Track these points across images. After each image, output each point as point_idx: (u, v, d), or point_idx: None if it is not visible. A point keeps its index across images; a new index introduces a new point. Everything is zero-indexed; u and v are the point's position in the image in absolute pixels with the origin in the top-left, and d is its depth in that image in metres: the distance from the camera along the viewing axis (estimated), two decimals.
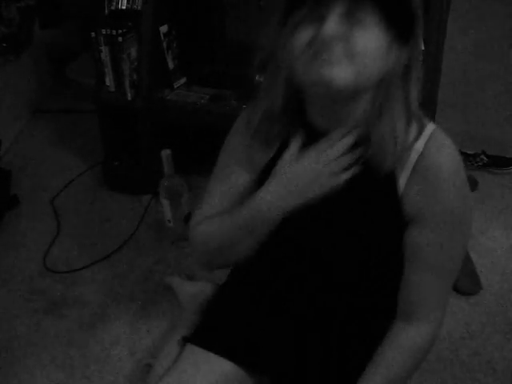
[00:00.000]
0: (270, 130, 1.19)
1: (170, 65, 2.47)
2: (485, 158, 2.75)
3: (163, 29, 2.41)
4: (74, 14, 3.73)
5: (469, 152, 2.80)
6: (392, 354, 1.20)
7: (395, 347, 1.20)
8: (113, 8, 2.40)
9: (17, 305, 2.14)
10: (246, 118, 1.25)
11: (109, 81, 2.45)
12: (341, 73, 0.99)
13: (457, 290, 2.10)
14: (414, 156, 1.10)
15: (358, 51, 0.99)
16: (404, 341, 1.20)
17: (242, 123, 1.28)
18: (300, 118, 1.16)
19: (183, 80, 2.54)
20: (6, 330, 2.04)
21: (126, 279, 2.23)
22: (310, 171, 1.13)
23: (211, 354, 1.34)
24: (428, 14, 2.02)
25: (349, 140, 1.11)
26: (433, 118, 2.53)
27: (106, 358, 1.92)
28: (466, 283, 2.11)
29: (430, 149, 1.09)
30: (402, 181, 1.11)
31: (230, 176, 1.30)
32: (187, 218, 2.34)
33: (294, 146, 1.16)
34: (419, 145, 1.10)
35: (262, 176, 1.22)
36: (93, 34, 2.38)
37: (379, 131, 1.08)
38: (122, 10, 2.39)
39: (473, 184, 2.67)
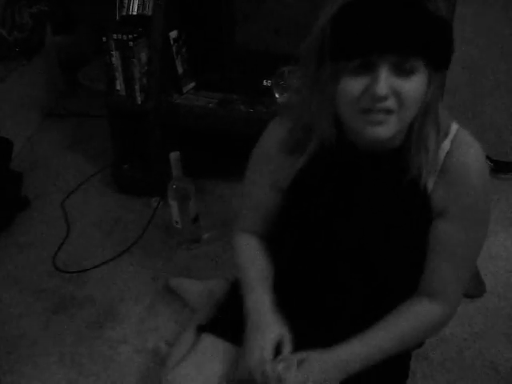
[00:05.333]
0: (306, 144, 1.25)
1: (180, 69, 2.50)
2: (489, 163, 2.77)
3: (173, 34, 2.44)
4: (86, 20, 3.78)
5: None
6: (406, 315, 1.28)
7: (411, 311, 1.28)
8: (124, 14, 2.44)
9: (26, 304, 2.17)
10: (282, 132, 1.30)
11: (119, 85, 2.49)
12: (387, 130, 1.09)
13: None
14: (441, 155, 1.17)
15: (405, 101, 1.06)
16: (420, 309, 1.28)
17: (271, 137, 1.34)
18: (340, 135, 1.22)
19: (192, 84, 2.58)
20: (15, 328, 2.07)
21: (134, 280, 2.26)
22: None
23: (226, 343, 1.39)
24: None
25: None
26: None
27: (114, 356, 1.94)
28: (471, 286, 2.12)
29: (456, 148, 1.17)
30: (430, 179, 1.18)
31: (258, 193, 1.39)
32: (195, 220, 2.37)
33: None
34: (446, 144, 1.17)
35: (290, 187, 1.31)
36: (104, 39, 2.41)
37: (414, 145, 1.16)
38: (132, 15, 2.43)
39: None
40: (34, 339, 2.02)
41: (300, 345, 1.26)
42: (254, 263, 1.40)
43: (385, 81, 1.03)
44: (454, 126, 1.19)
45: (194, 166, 2.38)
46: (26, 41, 3.14)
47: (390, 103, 1.06)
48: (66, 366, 1.92)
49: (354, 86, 1.06)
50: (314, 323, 1.36)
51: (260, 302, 1.32)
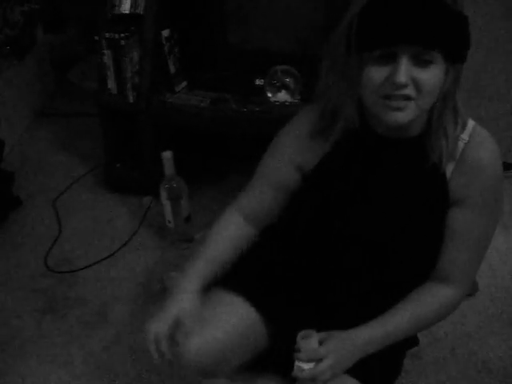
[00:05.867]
0: (331, 129, 1.32)
1: (172, 68, 2.49)
2: None
3: (165, 33, 2.43)
4: (77, 19, 3.76)
5: None
6: (422, 298, 1.35)
7: (426, 295, 1.35)
8: (116, 12, 2.43)
9: (18, 304, 2.16)
10: (313, 116, 1.37)
11: (111, 84, 2.48)
12: (406, 115, 1.18)
13: None
14: (460, 147, 1.26)
15: (423, 89, 1.15)
16: (434, 293, 1.35)
17: (302, 121, 1.41)
18: (363, 120, 1.30)
19: (184, 84, 2.56)
20: (7, 328, 2.06)
21: (126, 279, 2.26)
22: None
23: (235, 298, 1.43)
24: None
25: None
26: None
27: (107, 357, 1.94)
28: None
29: (473, 141, 1.26)
30: (449, 167, 1.27)
31: (278, 170, 1.43)
32: (187, 219, 2.37)
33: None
34: (464, 137, 1.26)
35: (314, 170, 1.38)
36: (96, 38, 2.40)
37: (435, 132, 1.25)
38: (124, 14, 2.42)
39: None
40: (25, 339, 2.02)
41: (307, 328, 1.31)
42: (217, 242, 1.45)
43: (405, 70, 1.12)
44: (471, 122, 1.29)
45: (186, 166, 2.37)
46: (17, 39, 3.12)
47: (409, 91, 1.15)
48: (58, 367, 1.91)
49: (376, 74, 1.16)
50: (322, 308, 1.41)
51: (191, 274, 1.41)
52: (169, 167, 2.23)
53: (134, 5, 2.39)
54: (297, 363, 1.29)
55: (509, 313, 2.06)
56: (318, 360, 1.27)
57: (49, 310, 2.14)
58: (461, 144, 1.26)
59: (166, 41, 2.44)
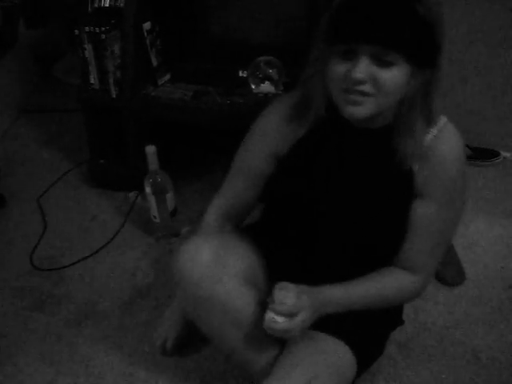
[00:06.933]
0: (305, 115, 1.40)
1: (154, 62, 2.46)
2: (468, 151, 2.77)
3: (146, 26, 2.40)
4: (59, 13, 3.72)
5: None
6: (385, 275, 1.45)
7: (390, 274, 1.45)
8: (96, 6, 2.40)
9: (4, 302, 2.14)
10: (284, 107, 1.46)
11: (93, 78, 2.45)
12: (362, 110, 1.25)
13: (441, 280, 2.12)
14: (427, 142, 1.33)
15: (382, 88, 1.22)
16: (397, 275, 1.44)
17: (274, 111, 1.49)
18: (334, 110, 1.35)
19: (167, 77, 2.54)
20: None
21: (112, 276, 2.24)
22: None
23: (245, 245, 1.53)
24: None
25: None
26: None
27: (94, 354, 1.92)
28: (451, 273, 2.13)
29: (440, 136, 1.34)
30: (415, 161, 1.34)
31: (253, 160, 1.53)
32: (173, 214, 2.35)
33: None
34: (433, 132, 1.34)
35: (287, 154, 1.46)
36: (76, 32, 2.37)
37: (400, 128, 1.32)
38: (105, 7, 2.39)
39: None
40: (12, 338, 2.00)
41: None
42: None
43: (362, 67, 1.20)
44: (444, 119, 1.36)
45: (171, 160, 2.36)
46: None
47: (366, 87, 1.22)
48: (46, 365, 1.90)
49: (339, 68, 1.24)
50: (305, 275, 1.46)
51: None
52: (153, 162, 2.21)
53: None
54: (270, 314, 1.31)
55: (497, 301, 2.06)
56: (292, 314, 1.31)
57: (35, 308, 2.12)
58: (428, 139, 1.33)
59: (148, 33, 2.41)
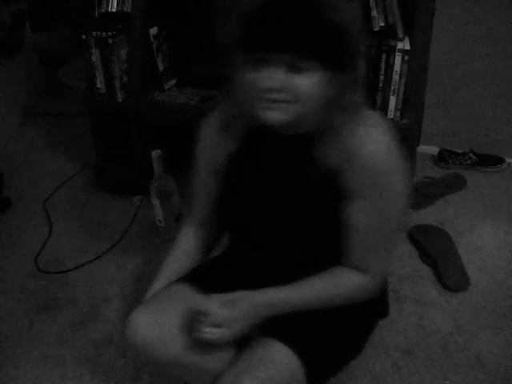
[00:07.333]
0: (237, 127, 1.40)
1: (160, 66, 2.48)
2: (473, 157, 2.78)
3: (153, 31, 2.42)
4: (66, 18, 3.74)
5: (458, 151, 2.83)
6: (329, 276, 1.41)
7: (334, 275, 1.41)
8: (103, 11, 2.41)
9: (9, 305, 2.15)
10: (215, 120, 1.46)
11: (100, 83, 2.47)
12: (277, 116, 1.23)
13: (445, 286, 2.12)
14: (352, 142, 1.28)
15: (299, 95, 1.20)
16: (345, 274, 1.40)
17: (207, 128, 1.50)
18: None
19: (173, 81, 2.56)
20: None
21: (117, 279, 2.25)
22: None
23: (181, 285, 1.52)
24: (413, 15, 2.05)
25: None
26: (420, 118, 2.55)
27: (98, 357, 1.93)
28: (455, 280, 2.13)
29: (365, 135, 1.29)
30: (341, 163, 1.30)
31: (199, 180, 1.58)
32: (178, 218, 2.36)
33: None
34: (357, 132, 1.28)
35: (224, 168, 1.46)
36: (83, 37, 2.39)
37: (323, 132, 1.30)
38: (112, 12, 2.40)
39: (461, 183, 2.69)
40: (17, 341, 2.01)
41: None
42: (174, 256, 1.62)
43: (275, 76, 1.18)
44: (372, 118, 1.33)
45: (176, 164, 2.36)
46: (5, 39, 3.11)
47: (279, 95, 1.20)
48: (50, 368, 1.90)
49: (251, 76, 1.20)
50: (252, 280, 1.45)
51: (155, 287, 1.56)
52: (158, 166, 2.22)
53: (121, 3, 2.38)
54: (197, 326, 1.35)
55: (501, 307, 2.06)
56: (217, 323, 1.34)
57: (40, 311, 2.12)
58: (353, 140, 1.29)
59: (154, 38, 2.43)
